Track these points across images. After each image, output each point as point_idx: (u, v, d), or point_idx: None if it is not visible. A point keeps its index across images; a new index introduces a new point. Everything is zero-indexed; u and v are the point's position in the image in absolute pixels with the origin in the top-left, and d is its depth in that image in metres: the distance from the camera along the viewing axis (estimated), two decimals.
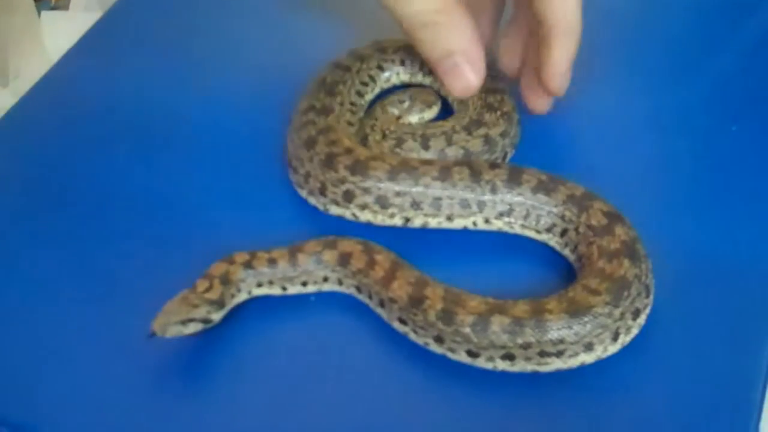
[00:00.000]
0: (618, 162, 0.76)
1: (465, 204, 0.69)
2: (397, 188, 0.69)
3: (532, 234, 0.70)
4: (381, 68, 0.81)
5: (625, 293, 0.62)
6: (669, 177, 0.75)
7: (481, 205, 0.69)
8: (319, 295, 0.67)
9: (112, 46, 0.90)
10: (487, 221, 0.70)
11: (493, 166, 0.70)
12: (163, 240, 0.71)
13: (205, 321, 0.63)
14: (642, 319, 0.63)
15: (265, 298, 0.67)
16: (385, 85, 0.82)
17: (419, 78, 0.82)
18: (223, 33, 0.90)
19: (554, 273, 0.68)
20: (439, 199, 0.69)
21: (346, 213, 0.71)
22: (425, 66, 0.80)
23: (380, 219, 0.70)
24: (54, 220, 0.74)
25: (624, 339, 0.62)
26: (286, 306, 0.67)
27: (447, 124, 0.75)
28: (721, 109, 0.80)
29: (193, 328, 0.63)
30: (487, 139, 0.74)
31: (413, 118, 0.78)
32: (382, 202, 0.69)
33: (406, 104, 0.78)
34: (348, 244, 0.67)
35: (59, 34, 0.96)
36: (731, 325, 0.64)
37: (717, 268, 0.67)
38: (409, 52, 0.81)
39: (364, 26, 0.88)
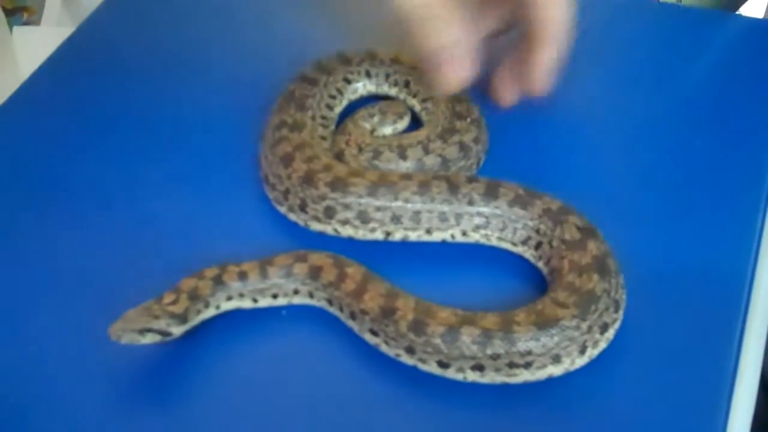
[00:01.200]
0: (583, 172, 0.77)
1: (443, 217, 0.70)
2: (378, 203, 0.70)
3: (508, 246, 0.71)
4: (347, 80, 0.82)
5: (593, 307, 0.63)
6: (634, 190, 0.76)
7: (459, 218, 0.70)
8: (291, 309, 0.68)
9: (85, 61, 0.90)
10: (464, 234, 0.71)
11: (471, 179, 0.71)
12: (138, 256, 0.71)
13: (164, 333, 0.63)
14: (610, 334, 0.64)
15: (236, 311, 0.67)
16: (353, 97, 0.83)
17: (385, 89, 0.83)
18: (193, 46, 0.91)
19: (529, 285, 0.69)
20: (418, 212, 0.70)
21: (328, 228, 0.72)
22: (390, 77, 0.82)
23: (361, 234, 0.71)
24: (26, 232, 0.74)
25: (591, 352, 0.63)
26: (257, 319, 0.67)
27: (421, 134, 0.76)
28: (686, 123, 0.81)
29: (150, 338, 0.63)
30: (462, 146, 0.75)
31: (387, 130, 0.79)
32: (363, 217, 0.70)
33: (377, 117, 0.79)
34: (318, 258, 0.67)
35: (31, 49, 0.96)
36: (699, 339, 0.65)
37: (683, 281, 0.68)
38: (374, 63, 0.82)
39: (329, 35, 0.90)
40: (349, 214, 0.70)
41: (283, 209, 0.74)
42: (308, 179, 0.71)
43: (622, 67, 0.87)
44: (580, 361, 0.63)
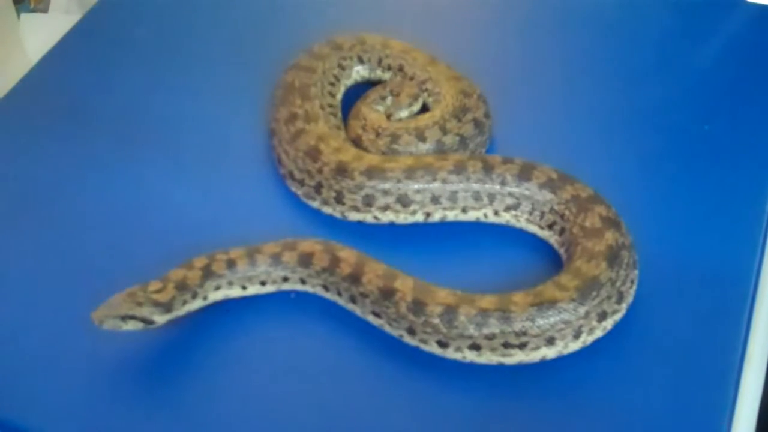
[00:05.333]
0: (591, 156, 0.79)
1: (477, 196, 0.73)
2: (417, 185, 0.73)
3: (535, 229, 0.73)
4: (341, 67, 0.84)
5: (594, 293, 0.65)
6: (642, 176, 0.79)
7: (492, 198, 0.73)
8: (297, 292, 0.70)
9: (92, 48, 0.93)
10: (496, 213, 0.73)
11: (506, 160, 0.74)
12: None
13: (146, 321, 0.65)
14: (608, 323, 0.66)
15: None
16: (348, 83, 0.85)
17: (378, 73, 0.85)
18: (200, 33, 0.94)
19: (554, 270, 0.70)
20: (455, 192, 0.73)
21: (367, 217, 0.74)
22: (383, 61, 0.85)
23: (402, 217, 0.74)
24: (33, 218, 0.76)
25: (586, 338, 0.65)
26: (263, 303, 0.70)
27: (435, 115, 0.78)
28: (694, 108, 0.84)
29: (132, 325, 0.64)
30: (476, 123, 0.78)
31: (403, 113, 0.81)
32: (404, 201, 0.73)
33: (389, 100, 0.81)
34: (308, 245, 0.69)
35: (39, 36, 0.98)
36: (705, 329, 0.67)
37: (690, 270, 0.70)
38: (365, 48, 0.85)
39: (315, 20, 0.93)
40: (389, 200, 0.73)
41: (315, 204, 0.76)
42: (341, 171, 0.73)
43: (631, 54, 0.90)
44: (574, 346, 0.65)
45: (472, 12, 0.97)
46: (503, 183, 0.72)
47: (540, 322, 0.63)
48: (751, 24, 0.92)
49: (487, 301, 0.64)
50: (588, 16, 0.94)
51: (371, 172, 0.73)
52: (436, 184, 0.73)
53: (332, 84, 0.83)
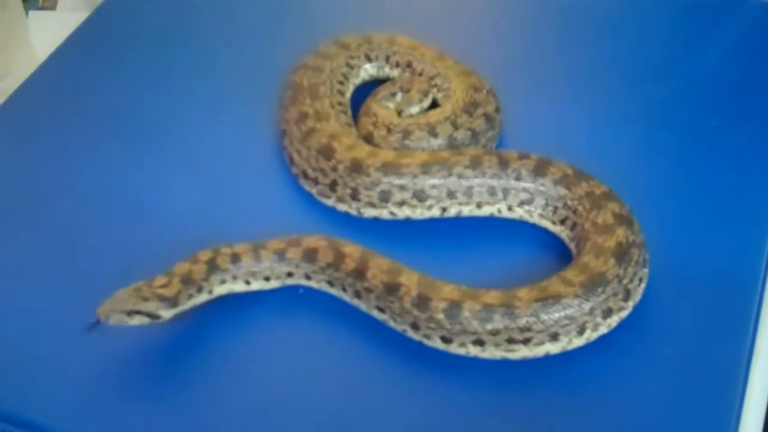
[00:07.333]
0: (599, 152, 0.80)
1: (492, 191, 0.74)
2: (433, 181, 0.73)
3: (548, 225, 0.74)
4: (350, 66, 0.85)
5: (600, 290, 0.65)
6: (650, 172, 0.79)
7: (506, 193, 0.74)
8: (307, 288, 0.71)
9: (100, 46, 0.94)
10: (510, 209, 0.74)
11: (522, 156, 0.74)
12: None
13: (152, 316, 0.65)
14: (613, 321, 0.66)
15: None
16: (357, 82, 0.86)
17: (386, 71, 0.86)
18: (208, 33, 0.95)
19: (564, 266, 0.70)
20: (471, 187, 0.74)
21: (383, 212, 0.75)
22: (391, 58, 0.86)
23: (419, 212, 0.75)
24: (41, 214, 0.77)
25: (590, 335, 0.66)
26: (268, 298, 0.71)
27: (446, 110, 0.79)
28: (702, 104, 0.84)
29: (138, 320, 0.65)
30: (487, 117, 0.79)
31: (414, 109, 0.82)
32: (420, 196, 0.74)
33: (399, 96, 0.82)
34: (312, 241, 0.70)
35: (47, 34, 1.00)
36: (714, 326, 0.67)
37: (699, 267, 0.71)
38: (372, 46, 0.86)
39: (320, 20, 0.94)
40: (406, 195, 0.74)
41: (330, 201, 0.77)
42: (356, 168, 0.74)
43: (639, 51, 0.91)
44: (578, 342, 0.65)
45: (478, 7, 0.98)
46: (518, 178, 0.73)
47: (544, 317, 0.64)
48: (757, 21, 0.93)
49: (492, 297, 0.65)
50: (596, 14, 0.95)
51: (387, 168, 0.74)
52: (452, 179, 0.73)
53: (341, 83, 0.84)
